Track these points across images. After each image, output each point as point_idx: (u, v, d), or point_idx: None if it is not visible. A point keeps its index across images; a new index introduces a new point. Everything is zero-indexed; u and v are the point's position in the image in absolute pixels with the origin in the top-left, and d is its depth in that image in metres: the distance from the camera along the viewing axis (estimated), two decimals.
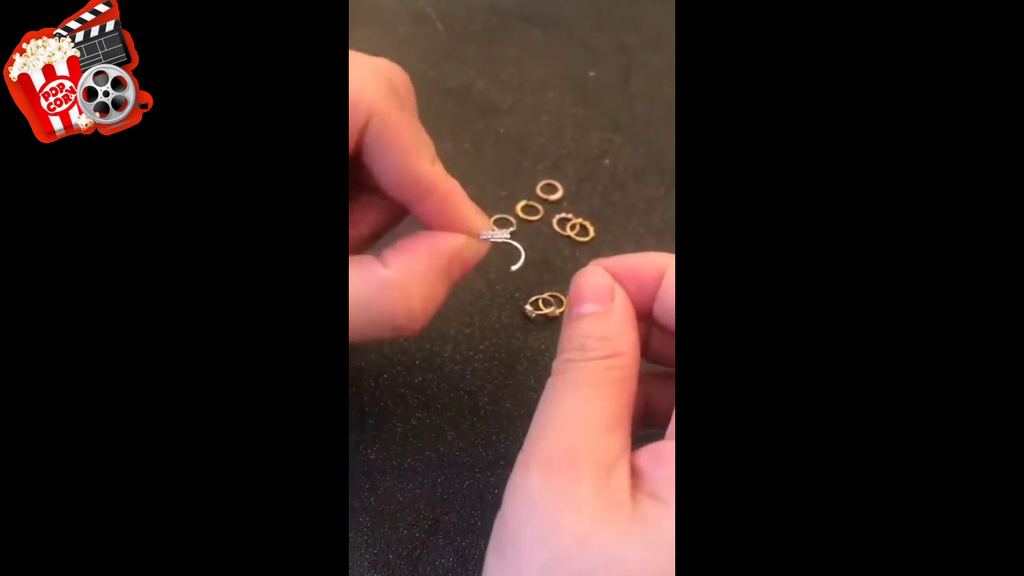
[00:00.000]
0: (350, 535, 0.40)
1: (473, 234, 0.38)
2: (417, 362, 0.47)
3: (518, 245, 0.40)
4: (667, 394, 0.36)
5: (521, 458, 0.31)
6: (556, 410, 0.33)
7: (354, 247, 0.40)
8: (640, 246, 0.53)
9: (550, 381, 0.34)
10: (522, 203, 0.55)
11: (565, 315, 0.36)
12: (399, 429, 0.44)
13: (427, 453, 0.44)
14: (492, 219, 0.53)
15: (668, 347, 0.37)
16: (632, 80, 0.65)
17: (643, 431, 0.36)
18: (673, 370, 0.35)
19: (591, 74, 0.65)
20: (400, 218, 0.40)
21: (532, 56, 0.66)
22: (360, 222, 0.40)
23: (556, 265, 0.52)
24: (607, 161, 0.59)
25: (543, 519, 0.29)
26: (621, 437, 0.32)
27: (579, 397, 0.32)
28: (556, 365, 0.34)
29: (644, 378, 0.36)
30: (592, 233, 0.54)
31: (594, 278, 0.36)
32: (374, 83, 0.35)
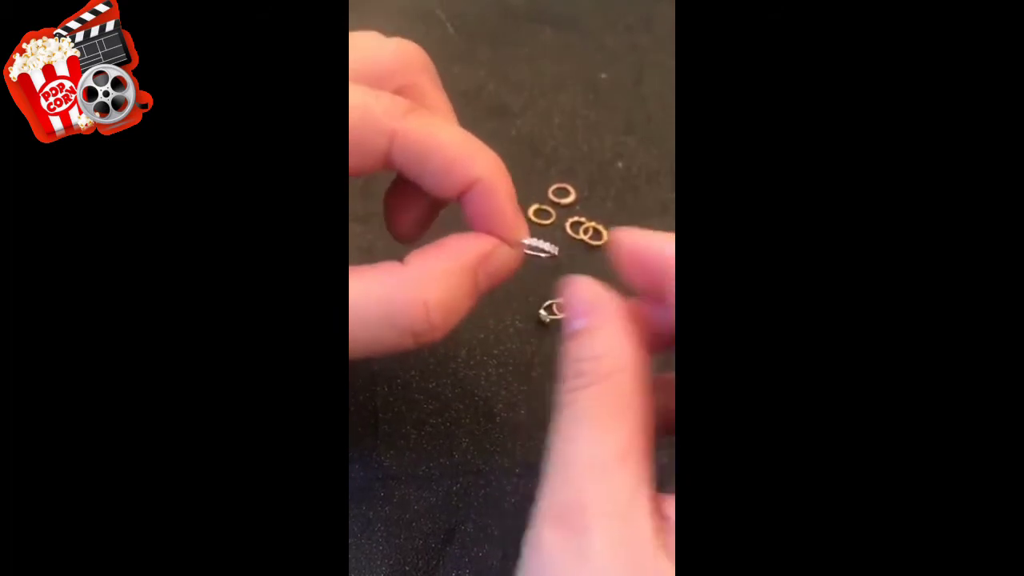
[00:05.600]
0: (365, 545, 0.40)
1: (510, 240, 0.35)
2: (431, 367, 0.46)
3: (554, 251, 0.37)
4: None
5: (536, 511, 0.29)
6: (560, 452, 0.30)
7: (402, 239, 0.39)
8: None
9: (555, 416, 0.31)
10: (534, 207, 0.55)
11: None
12: (413, 435, 0.44)
13: (442, 460, 0.43)
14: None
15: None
16: (645, 82, 0.65)
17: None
18: None
19: (603, 76, 0.65)
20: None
21: (544, 57, 0.66)
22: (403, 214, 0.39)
23: (570, 269, 0.51)
24: (620, 164, 0.58)
25: None
26: (633, 469, 0.29)
27: (580, 434, 0.30)
28: (560, 396, 0.32)
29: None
30: (606, 237, 0.53)
31: (577, 289, 0.33)
32: (388, 99, 0.34)
